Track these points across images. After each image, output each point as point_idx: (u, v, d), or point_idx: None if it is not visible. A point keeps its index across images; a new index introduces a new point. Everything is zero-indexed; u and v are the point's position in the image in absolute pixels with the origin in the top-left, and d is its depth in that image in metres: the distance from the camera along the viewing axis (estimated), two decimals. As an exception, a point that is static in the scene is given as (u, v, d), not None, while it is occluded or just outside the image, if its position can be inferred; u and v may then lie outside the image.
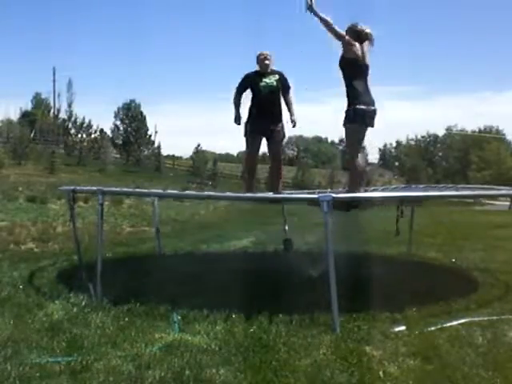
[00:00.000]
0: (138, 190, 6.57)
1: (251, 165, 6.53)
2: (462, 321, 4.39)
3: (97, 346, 3.82)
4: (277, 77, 6.22)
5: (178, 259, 7.99)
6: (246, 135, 6.33)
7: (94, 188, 5.85)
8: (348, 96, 5.47)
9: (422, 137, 63.88)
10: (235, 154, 57.65)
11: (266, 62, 6.22)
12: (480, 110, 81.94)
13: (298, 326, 4.27)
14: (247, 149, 6.43)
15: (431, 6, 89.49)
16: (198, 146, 39.02)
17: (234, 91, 6.35)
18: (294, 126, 6.33)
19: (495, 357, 3.63)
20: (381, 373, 3.37)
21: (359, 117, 5.41)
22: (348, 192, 5.60)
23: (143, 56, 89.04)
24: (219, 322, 4.36)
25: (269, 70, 6.24)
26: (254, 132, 6.21)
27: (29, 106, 42.27)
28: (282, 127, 6.37)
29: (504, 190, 6.72)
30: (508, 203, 20.48)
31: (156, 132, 39.21)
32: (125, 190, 6.86)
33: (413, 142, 64.50)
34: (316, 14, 5.25)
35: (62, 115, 39.57)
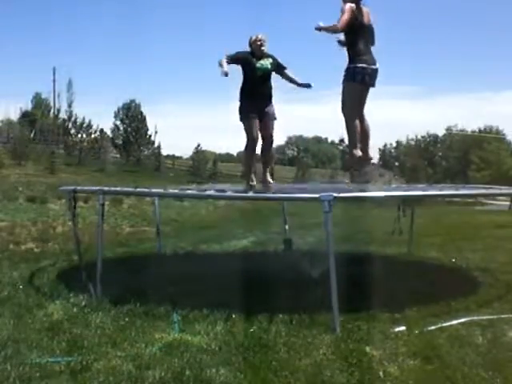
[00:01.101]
0: (138, 189, 6.51)
1: (251, 156, 6.35)
2: (462, 321, 4.39)
3: (97, 346, 3.82)
4: (271, 60, 6.18)
5: (178, 259, 7.99)
6: (241, 119, 6.20)
7: (95, 188, 5.85)
8: (349, 55, 5.59)
9: (422, 137, 63.65)
10: (235, 154, 57.64)
11: (263, 48, 6.14)
12: (480, 110, 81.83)
13: (298, 326, 4.27)
14: (247, 135, 6.18)
15: (431, 6, 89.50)
16: (198, 145, 39.01)
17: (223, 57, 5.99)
18: (310, 86, 6.30)
19: (495, 357, 3.63)
20: (381, 373, 3.38)
21: (359, 75, 5.47)
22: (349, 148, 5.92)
23: (143, 56, 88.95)
24: (219, 322, 4.36)
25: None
26: (248, 113, 6.11)
27: (29, 106, 42.27)
28: (273, 109, 6.28)
29: (504, 190, 6.70)
30: (508, 203, 20.47)
31: (156, 132, 39.14)
32: (125, 189, 6.82)
33: (413, 142, 64.37)
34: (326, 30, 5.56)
35: (62, 115, 39.52)
